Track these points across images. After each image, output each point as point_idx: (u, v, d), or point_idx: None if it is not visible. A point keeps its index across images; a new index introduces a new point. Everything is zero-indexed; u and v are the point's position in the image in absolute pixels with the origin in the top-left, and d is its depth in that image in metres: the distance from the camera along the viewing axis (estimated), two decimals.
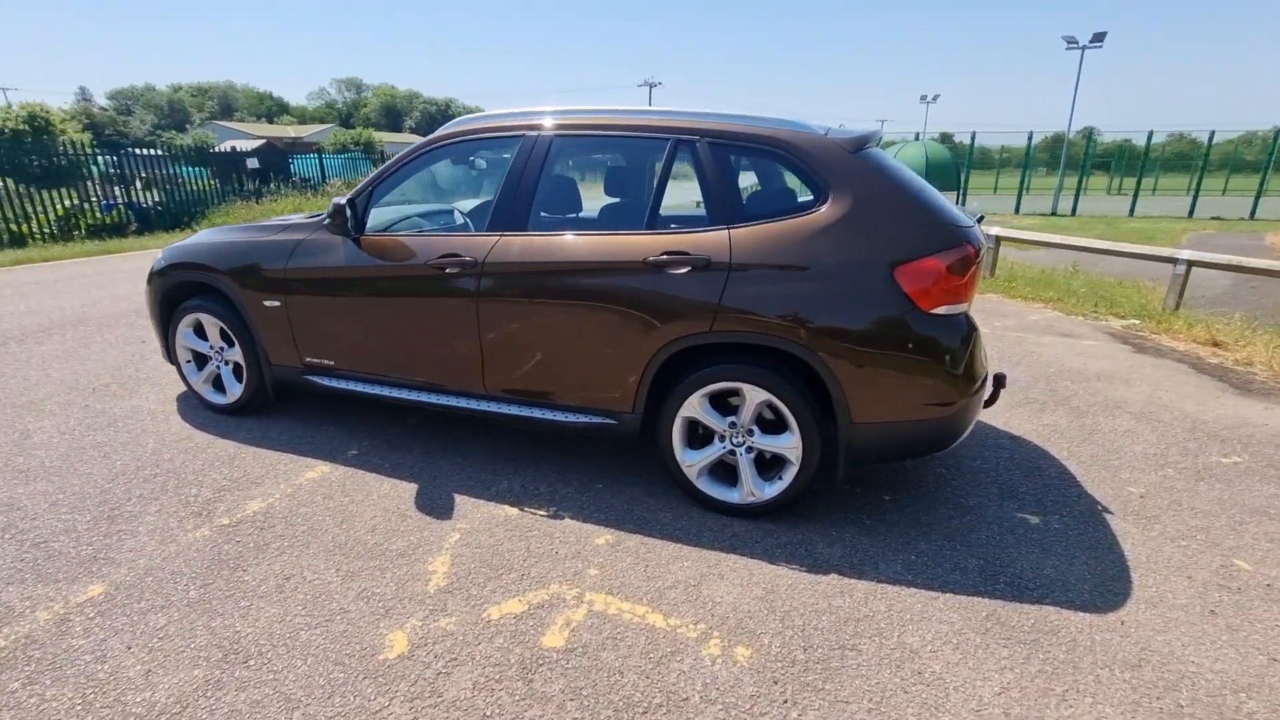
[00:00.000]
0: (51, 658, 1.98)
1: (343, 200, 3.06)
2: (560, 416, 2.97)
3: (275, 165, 18.02)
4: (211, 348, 3.75)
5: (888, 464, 3.26)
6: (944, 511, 2.91)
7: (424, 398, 3.22)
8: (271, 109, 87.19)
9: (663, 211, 2.85)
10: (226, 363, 3.75)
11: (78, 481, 3.05)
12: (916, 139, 22.03)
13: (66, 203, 12.96)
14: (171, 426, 3.68)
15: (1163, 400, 4.30)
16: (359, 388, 3.36)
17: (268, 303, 3.42)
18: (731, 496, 2.81)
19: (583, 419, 2.93)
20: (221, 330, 3.65)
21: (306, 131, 55.93)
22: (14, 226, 11.93)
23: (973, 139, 24.23)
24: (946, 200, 2.74)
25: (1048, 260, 10.12)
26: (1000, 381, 3.32)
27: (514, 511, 2.85)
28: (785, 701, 1.87)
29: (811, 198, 2.60)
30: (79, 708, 1.80)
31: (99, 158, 14.34)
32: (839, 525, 2.77)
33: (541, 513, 2.85)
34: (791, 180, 2.98)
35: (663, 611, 2.24)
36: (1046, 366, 4.97)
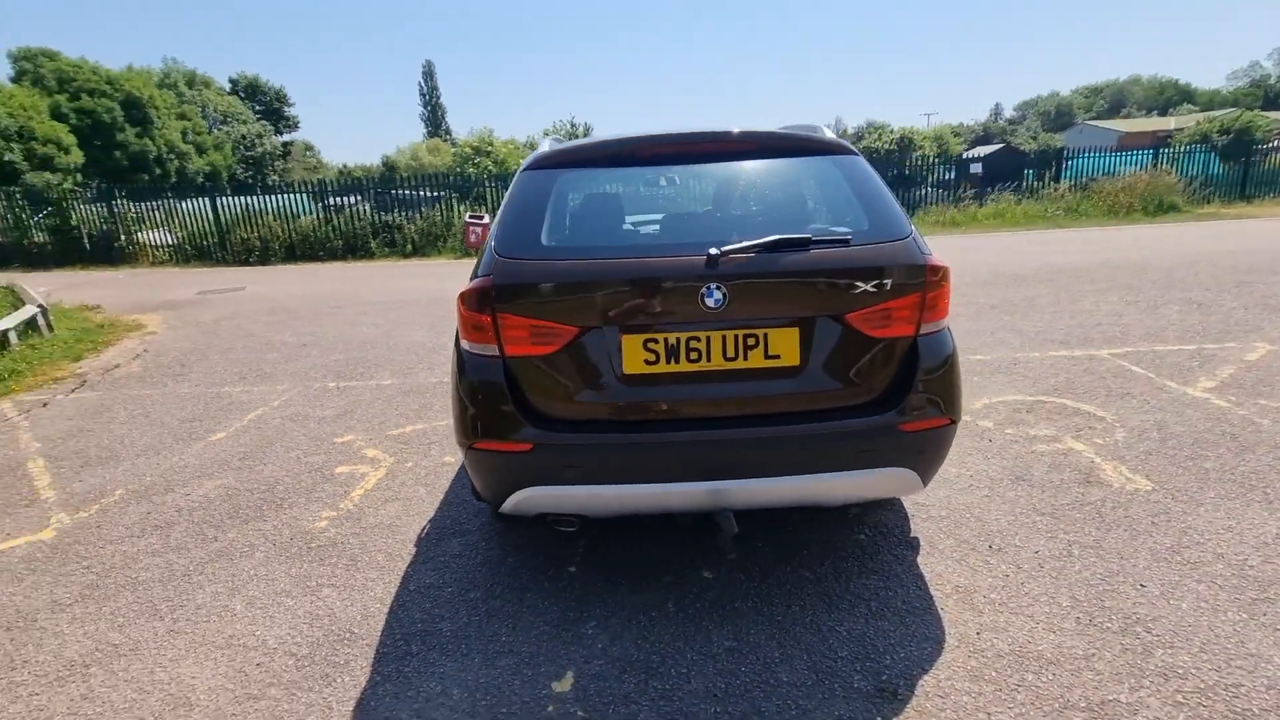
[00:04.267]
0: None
1: None
2: None
3: (1006, 169, 18.17)
4: None
5: None
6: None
7: None
8: (1171, 99, 77.72)
9: None
10: None
11: None
12: None
13: None
14: None
15: None
16: None
17: None
18: None
19: None
20: None
21: (1188, 121, 47.44)
22: None
23: None
24: (538, 223, 2.22)
25: None
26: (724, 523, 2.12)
27: None
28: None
29: None
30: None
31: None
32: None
33: None
34: None
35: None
36: None
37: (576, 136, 33.31)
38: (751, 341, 2.07)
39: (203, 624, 2.33)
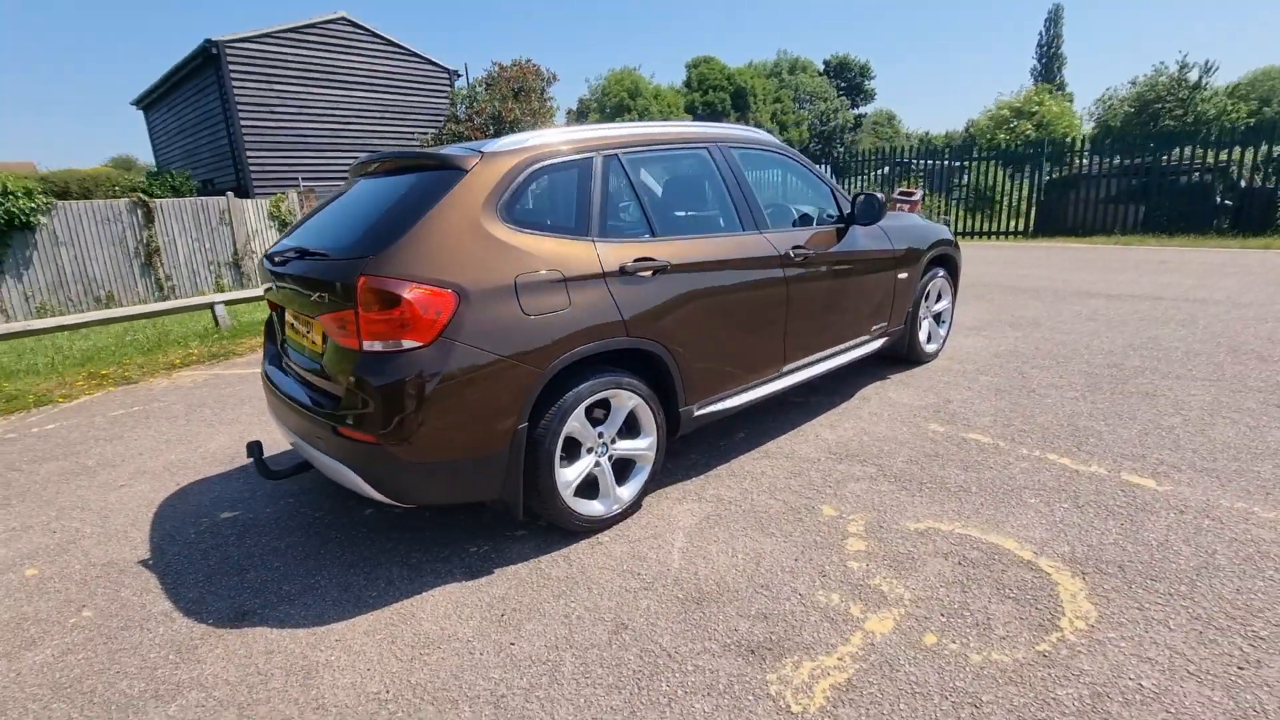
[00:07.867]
0: None
1: None
2: None
3: None
4: None
5: None
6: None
7: None
8: None
9: None
10: None
11: None
12: None
13: None
14: None
15: None
16: None
17: None
18: None
19: None
20: None
21: None
22: None
23: None
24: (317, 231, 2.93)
25: None
26: (251, 450, 2.81)
27: None
28: None
29: None
30: None
31: None
32: None
33: None
34: None
35: None
36: None
37: (1183, 83, 24.70)
38: (308, 328, 2.61)
39: (200, 439, 4.36)
